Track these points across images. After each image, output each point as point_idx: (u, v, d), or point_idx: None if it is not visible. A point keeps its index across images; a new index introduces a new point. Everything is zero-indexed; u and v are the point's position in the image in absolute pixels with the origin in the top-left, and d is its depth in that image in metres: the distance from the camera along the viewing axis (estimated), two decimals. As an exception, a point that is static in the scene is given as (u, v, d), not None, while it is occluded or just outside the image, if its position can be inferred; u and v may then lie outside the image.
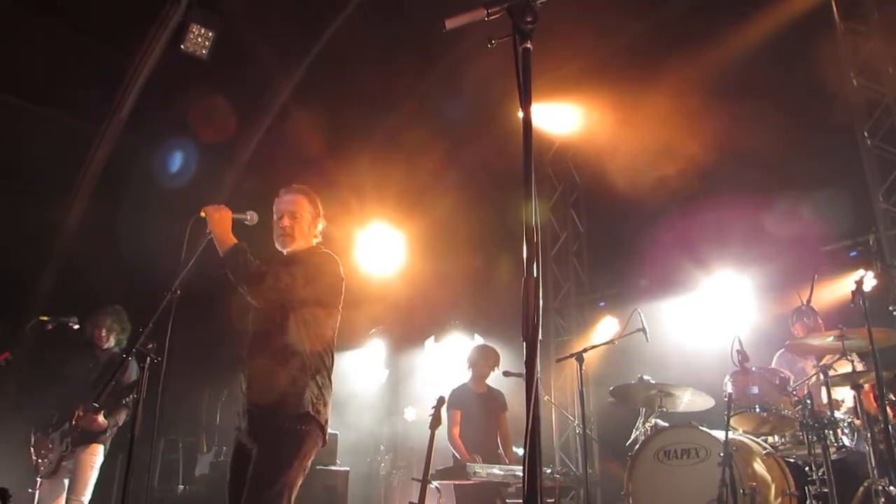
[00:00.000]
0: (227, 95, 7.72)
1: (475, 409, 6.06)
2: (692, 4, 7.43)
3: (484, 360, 6.20)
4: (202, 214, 3.24)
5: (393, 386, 9.40)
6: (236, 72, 7.74)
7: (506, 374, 5.97)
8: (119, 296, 5.64)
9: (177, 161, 7.82)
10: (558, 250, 9.39)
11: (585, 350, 5.39)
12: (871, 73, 7.03)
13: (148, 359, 3.31)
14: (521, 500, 5.65)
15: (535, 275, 1.50)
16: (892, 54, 6.79)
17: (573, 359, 5.34)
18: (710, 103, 6.68)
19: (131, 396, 4.88)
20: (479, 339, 8.31)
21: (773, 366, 5.32)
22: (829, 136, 6.95)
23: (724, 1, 7.24)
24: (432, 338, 9.25)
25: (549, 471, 5.56)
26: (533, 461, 1.36)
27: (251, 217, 3.39)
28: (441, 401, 5.18)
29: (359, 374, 9.40)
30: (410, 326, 9.35)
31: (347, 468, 6.87)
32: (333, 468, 6.69)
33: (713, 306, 6.92)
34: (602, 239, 8.93)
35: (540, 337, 1.49)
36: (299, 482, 3.00)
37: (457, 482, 5.33)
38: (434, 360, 9.05)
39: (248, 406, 3.11)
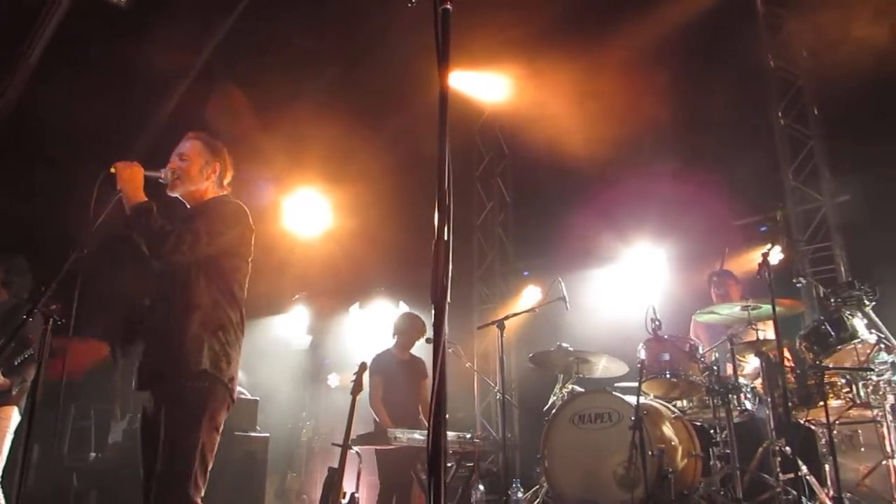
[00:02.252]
0: (146, 49, 7.35)
1: (398, 375, 6.08)
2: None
3: (413, 329, 6.21)
4: (112, 170, 3.08)
5: (316, 352, 9.34)
6: (157, 24, 7.37)
7: (428, 340, 6.01)
8: (27, 254, 5.34)
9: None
10: (484, 219, 9.46)
11: (507, 318, 5.47)
12: (787, 55, 7.30)
13: (51, 320, 3.15)
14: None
15: (445, 238, 1.50)
16: (807, 39, 7.06)
17: (494, 326, 5.42)
18: (636, 78, 6.80)
19: (28, 352, 4.65)
20: (403, 307, 8.33)
21: (691, 332, 5.54)
22: (747, 114, 7.21)
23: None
24: (357, 304, 9.22)
25: (469, 436, 5.65)
26: (438, 422, 1.37)
27: (165, 175, 3.25)
28: (363, 367, 5.17)
29: (282, 340, 9.30)
30: (335, 293, 9.29)
31: (267, 434, 6.80)
32: (253, 434, 6.61)
33: (632, 276, 7.14)
34: (528, 209, 9.04)
35: (448, 300, 1.49)
36: (215, 443, 2.91)
37: (378, 447, 5.35)
38: (358, 327, 9.03)
39: (144, 364, 3.00)
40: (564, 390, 5.43)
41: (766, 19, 7.45)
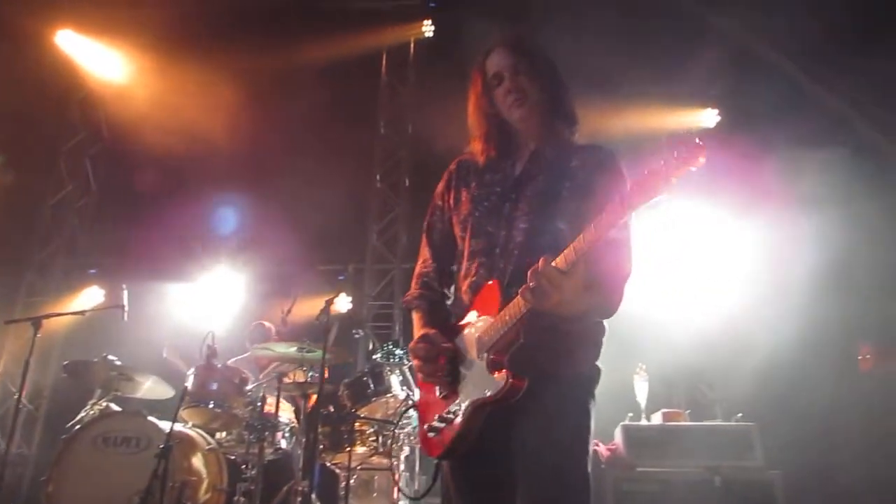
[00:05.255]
0: None
1: None
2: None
3: None
4: None
5: None
6: None
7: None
8: None
9: None
10: (60, 200, 8.32)
11: (47, 316, 4.81)
12: (396, 125, 8.04)
13: None
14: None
15: None
16: (414, 116, 7.88)
17: (30, 324, 4.69)
18: (254, 104, 6.77)
19: None
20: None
21: (239, 362, 5.47)
22: (352, 168, 7.66)
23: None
24: None
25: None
26: None
27: None
28: None
29: None
30: None
31: None
32: None
33: (205, 298, 6.91)
34: (114, 203, 8.23)
35: None
36: None
37: None
38: None
39: None
40: (97, 407, 4.90)
41: (387, 88, 8.13)
